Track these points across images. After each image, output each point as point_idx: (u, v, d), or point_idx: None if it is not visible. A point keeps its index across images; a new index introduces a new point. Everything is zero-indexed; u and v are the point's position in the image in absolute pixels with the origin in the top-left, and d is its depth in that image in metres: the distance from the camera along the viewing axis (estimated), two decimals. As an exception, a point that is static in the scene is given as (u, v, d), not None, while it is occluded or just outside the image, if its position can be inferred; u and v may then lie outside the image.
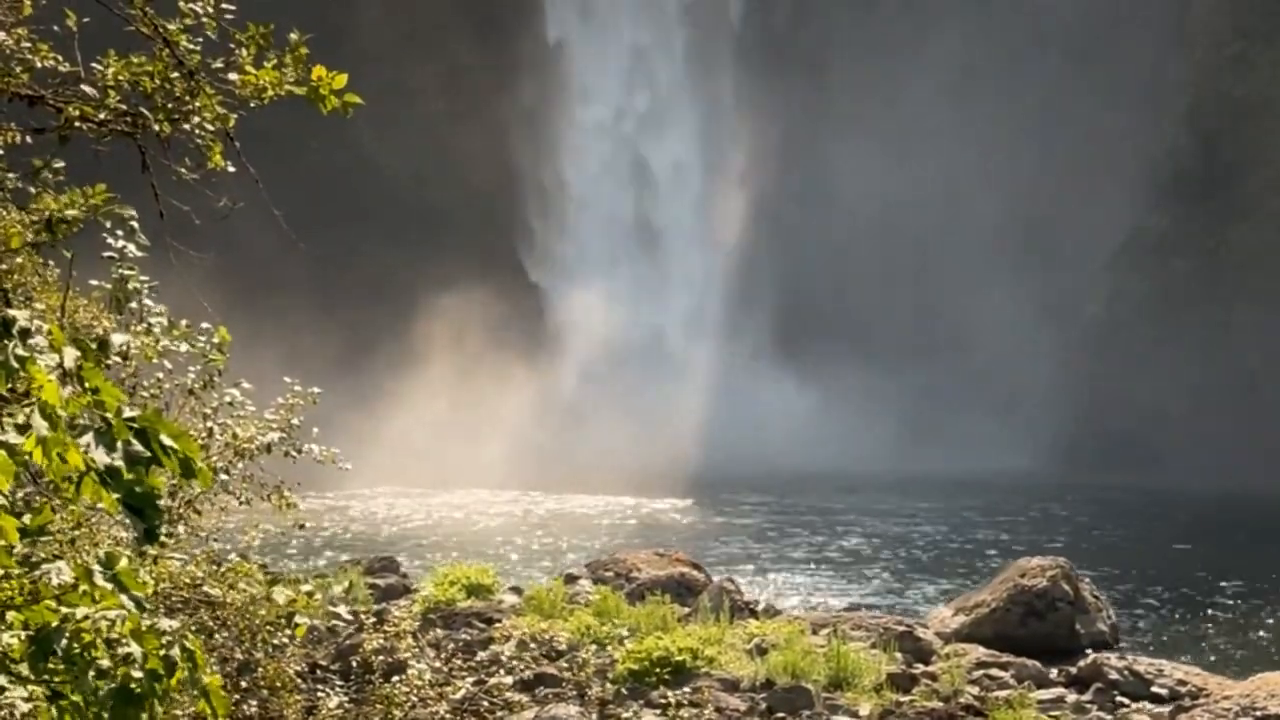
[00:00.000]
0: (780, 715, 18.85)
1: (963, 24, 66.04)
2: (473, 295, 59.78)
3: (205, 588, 9.89)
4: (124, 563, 4.21)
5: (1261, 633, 29.13)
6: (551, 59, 68.70)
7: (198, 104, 6.70)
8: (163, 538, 6.40)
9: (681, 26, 70.43)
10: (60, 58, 7.06)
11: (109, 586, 4.14)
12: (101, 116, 6.71)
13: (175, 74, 6.69)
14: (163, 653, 4.18)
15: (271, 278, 56.34)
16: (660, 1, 70.15)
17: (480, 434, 55.39)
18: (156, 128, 6.69)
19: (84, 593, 4.17)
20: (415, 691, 11.77)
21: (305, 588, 9.21)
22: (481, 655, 19.14)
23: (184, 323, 9.07)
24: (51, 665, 4.12)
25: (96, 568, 4.18)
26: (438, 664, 13.23)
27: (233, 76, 6.70)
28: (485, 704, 13.10)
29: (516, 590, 25.88)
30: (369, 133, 61.81)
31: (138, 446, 3.99)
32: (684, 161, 70.41)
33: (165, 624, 4.28)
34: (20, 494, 6.64)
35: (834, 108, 68.14)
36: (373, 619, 15.34)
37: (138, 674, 4.13)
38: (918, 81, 65.37)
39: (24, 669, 4.14)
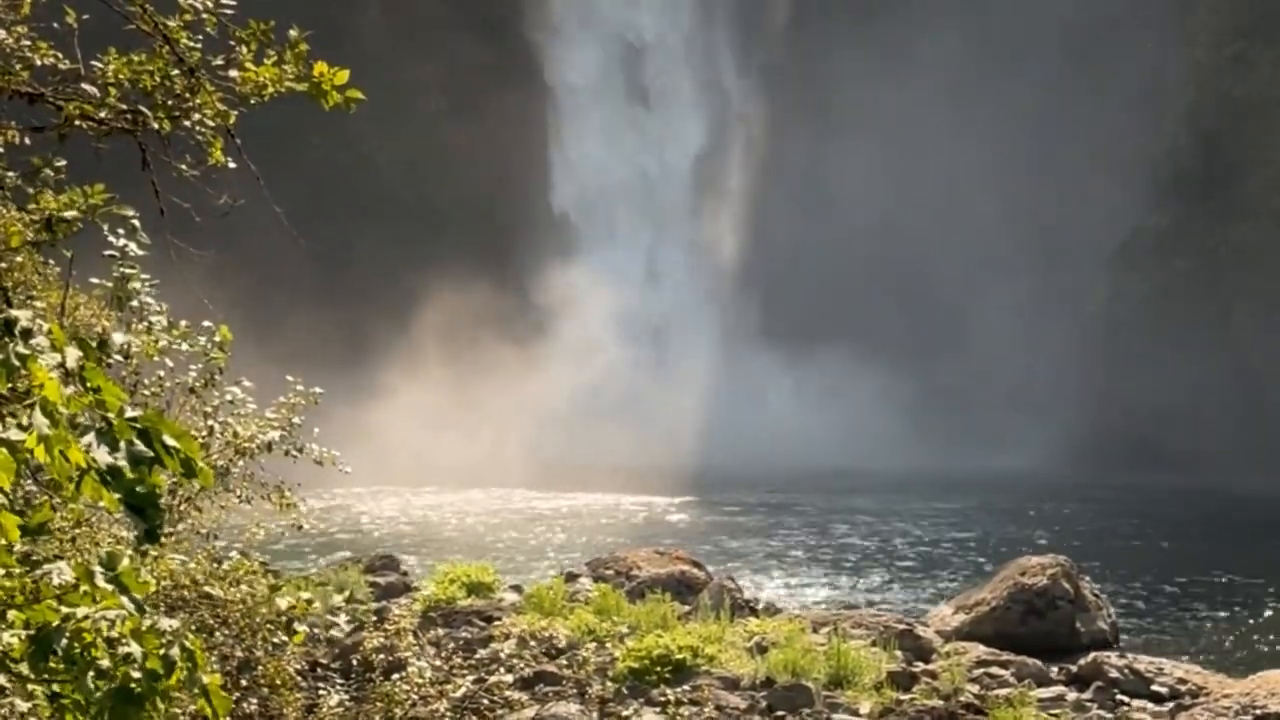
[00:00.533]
0: (780, 713, 18.84)
1: (963, 24, 65.88)
2: (472, 293, 59.80)
3: (206, 587, 9.88)
4: (125, 563, 4.19)
5: (1261, 632, 29.12)
6: (556, 226, 69.19)
7: (198, 101, 6.68)
8: (162, 538, 6.38)
9: (694, 192, 70.74)
10: (60, 55, 7.04)
11: (110, 588, 4.13)
12: (101, 114, 6.69)
13: (175, 71, 6.67)
14: (162, 652, 4.16)
15: (272, 275, 56.38)
16: (668, 210, 70.31)
17: (479, 432, 55.40)
18: (157, 125, 6.67)
19: (85, 593, 4.16)
20: (415, 689, 11.76)
21: (305, 595, 9.21)
22: (482, 653, 19.13)
23: (184, 323, 9.06)
24: (51, 665, 4.11)
25: (98, 568, 4.16)
26: (438, 662, 13.21)
27: (233, 73, 6.68)
28: (485, 702, 13.07)
29: (517, 588, 25.88)
30: (369, 130, 61.82)
31: (141, 447, 3.97)
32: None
33: (165, 624, 4.26)
34: (20, 492, 6.62)
35: (834, 108, 68.08)
36: (373, 617, 15.33)
37: (137, 674, 4.12)
38: (918, 81, 65.24)
39: (24, 669, 4.12)
